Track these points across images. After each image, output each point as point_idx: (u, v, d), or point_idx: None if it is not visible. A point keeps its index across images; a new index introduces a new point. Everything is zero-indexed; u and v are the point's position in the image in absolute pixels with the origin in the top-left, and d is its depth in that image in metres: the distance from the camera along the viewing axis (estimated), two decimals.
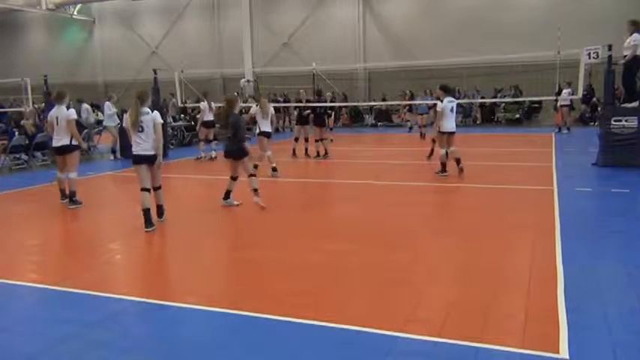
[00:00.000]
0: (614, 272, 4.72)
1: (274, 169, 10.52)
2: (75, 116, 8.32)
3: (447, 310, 3.95)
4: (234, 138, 7.52)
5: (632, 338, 3.50)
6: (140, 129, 6.58)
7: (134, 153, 6.71)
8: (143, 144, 6.62)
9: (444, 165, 9.95)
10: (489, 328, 3.65)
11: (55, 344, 3.63)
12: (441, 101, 9.84)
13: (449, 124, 9.80)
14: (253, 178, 7.70)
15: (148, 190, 6.73)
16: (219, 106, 11.91)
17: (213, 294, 4.53)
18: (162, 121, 6.81)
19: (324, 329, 3.72)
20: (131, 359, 3.43)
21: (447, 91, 9.96)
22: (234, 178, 7.76)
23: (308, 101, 14.06)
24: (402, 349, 3.41)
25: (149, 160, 6.70)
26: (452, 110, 9.78)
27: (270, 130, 10.55)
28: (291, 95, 22.31)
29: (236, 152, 7.57)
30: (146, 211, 6.65)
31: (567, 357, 3.24)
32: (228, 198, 7.81)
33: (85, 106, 16.36)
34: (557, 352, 3.29)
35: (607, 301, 4.06)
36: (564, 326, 3.62)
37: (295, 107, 15.36)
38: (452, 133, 9.86)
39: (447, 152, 9.91)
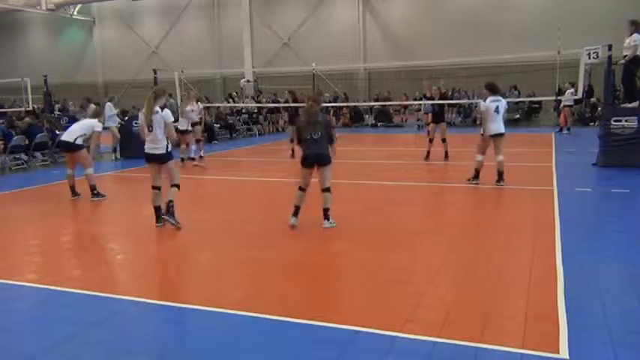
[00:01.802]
0: (614, 272, 4.72)
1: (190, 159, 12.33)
2: (100, 129, 8.95)
3: (446, 310, 3.95)
4: (323, 140, 6.50)
5: (632, 338, 3.50)
6: (149, 128, 6.58)
7: (145, 151, 6.74)
8: (152, 143, 6.64)
9: (477, 172, 8.97)
10: (489, 328, 3.65)
11: (55, 344, 3.63)
12: (484, 101, 8.95)
13: (494, 125, 8.78)
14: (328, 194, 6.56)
15: (157, 188, 6.75)
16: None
17: (213, 294, 4.52)
18: (172, 119, 6.77)
19: (323, 329, 3.72)
20: (131, 359, 3.44)
21: (493, 90, 9.05)
22: (304, 189, 6.58)
23: (295, 101, 14.07)
24: (402, 349, 3.41)
25: (158, 159, 6.68)
26: (497, 110, 8.77)
27: (185, 128, 12.15)
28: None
29: (327, 157, 6.54)
30: (156, 209, 6.76)
31: (567, 357, 3.24)
32: (296, 215, 6.57)
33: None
34: (557, 352, 3.29)
35: (607, 301, 4.06)
36: (564, 326, 3.62)
37: (286, 108, 15.40)
38: (499, 136, 8.81)
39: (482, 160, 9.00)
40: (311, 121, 6.48)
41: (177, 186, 6.72)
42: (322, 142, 6.53)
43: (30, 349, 3.58)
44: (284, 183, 10.45)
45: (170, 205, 6.63)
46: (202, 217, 7.45)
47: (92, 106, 15.30)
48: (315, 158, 6.55)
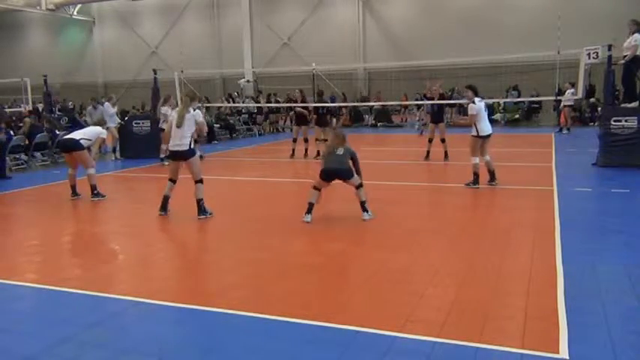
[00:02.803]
0: (614, 272, 4.71)
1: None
2: (104, 136, 9.14)
3: (446, 310, 3.95)
4: (345, 157, 6.76)
5: (632, 338, 3.50)
6: (179, 125, 7.05)
7: (170, 149, 7.26)
8: (177, 140, 7.06)
9: (477, 176, 8.78)
10: (489, 328, 3.65)
11: (55, 345, 3.63)
12: (474, 102, 8.82)
13: (485, 126, 8.79)
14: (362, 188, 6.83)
15: (173, 181, 7.24)
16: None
17: (213, 294, 4.53)
18: (202, 120, 7.32)
19: (323, 329, 3.72)
20: (130, 359, 3.43)
21: (477, 91, 8.99)
22: (319, 189, 6.81)
23: (303, 101, 14.10)
24: (401, 349, 3.41)
25: (183, 156, 7.08)
26: (485, 111, 8.87)
27: (163, 127, 12.53)
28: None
29: (348, 171, 6.74)
30: (164, 198, 7.25)
31: (567, 357, 3.23)
32: (310, 212, 6.77)
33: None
34: (557, 352, 3.29)
35: (607, 301, 4.06)
36: (564, 326, 3.62)
37: (293, 108, 15.44)
38: (489, 136, 8.85)
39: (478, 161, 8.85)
40: (332, 150, 6.85)
41: (201, 181, 7.14)
42: (344, 158, 6.78)
43: (30, 349, 3.58)
44: (284, 183, 10.46)
45: (200, 203, 7.10)
46: (203, 218, 7.44)
47: (101, 108, 15.25)
48: (336, 173, 6.79)
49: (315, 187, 6.80)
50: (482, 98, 9.09)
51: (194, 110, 7.20)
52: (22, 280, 4.99)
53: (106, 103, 15.07)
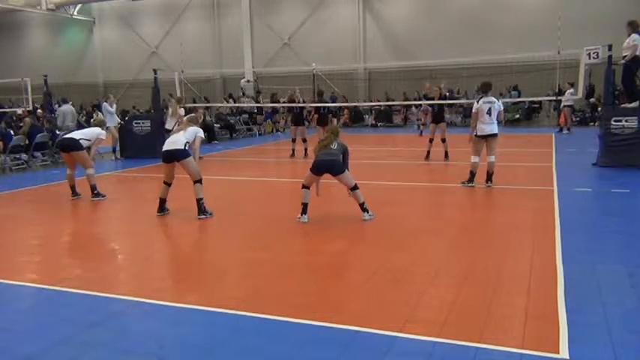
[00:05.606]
0: (614, 272, 4.71)
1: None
2: (103, 137, 9.07)
3: (446, 310, 3.95)
4: (337, 152, 6.75)
5: (632, 338, 3.50)
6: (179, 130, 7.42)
7: (163, 149, 7.30)
8: (172, 140, 7.26)
9: (472, 174, 8.89)
10: (489, 328, 3.65)
11: (55, 344, 3.63)
12: (477, 102, 8.90)
13: (485, 126, 8.70)
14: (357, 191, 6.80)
15: (168, 184, 7.31)
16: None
17: (213, 294, 4.52)
18: (202, 138, 7.61)
19: (323, 329, 3.72)
20: (130, 359, 3.43)
21: (484, 90, 8.95)
22: (308, 188, 6.79)
23: (303, 101, 14.21)
24: (401, 349, 3.41)
25: (175, 156, 7.13)
26: (489, 112, 8.68)
27: (169, 127, 12.73)
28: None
29: (339, 164, 6.69)
30: (160, 200, 7.36)
31: (567, 357, 3.23)
32: (305, 212, 6.76)
33: (70, 108, 15.62)
34: (557, 352, 3.29)
35: (607, 301, 4.06)
36: (564, 326, 3.62)
37: (290, 109, 15.50)
38: (491, 137, 8.74)
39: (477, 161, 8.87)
40: (327, 143, 6.81)
41: (200, 181, 7.13)
42: (337, 152, 6.74)
43: (30, 349, 3.58)
44: (284, 183, 10.47)
45: (200, 203, 7.10)
46: (203, 218, 7.44)
47: (67, 107, 15.02)
48: (327, 165, 6.67)
49: (304, 186, 6.76)
50: (489, 100, 8.74)
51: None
52: (22, 280, 5.00)
53: (104, 103, 15.06)
